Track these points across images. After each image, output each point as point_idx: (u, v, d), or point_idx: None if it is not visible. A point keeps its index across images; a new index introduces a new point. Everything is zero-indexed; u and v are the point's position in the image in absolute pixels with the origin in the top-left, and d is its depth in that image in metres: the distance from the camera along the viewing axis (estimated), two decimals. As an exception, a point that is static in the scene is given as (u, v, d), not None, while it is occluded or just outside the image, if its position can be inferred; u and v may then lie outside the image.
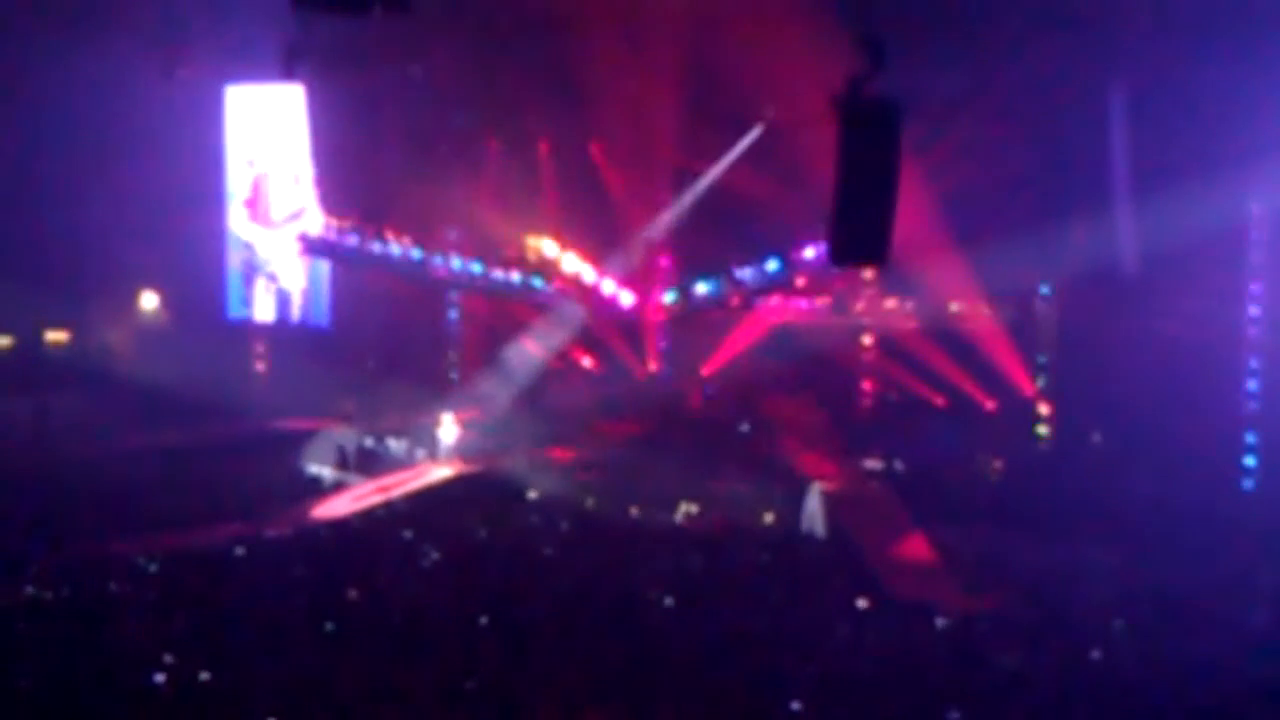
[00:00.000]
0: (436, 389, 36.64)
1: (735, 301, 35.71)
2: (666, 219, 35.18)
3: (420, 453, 33.75)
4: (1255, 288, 31.29)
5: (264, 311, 39.84)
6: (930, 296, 33.52)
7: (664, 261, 36.30)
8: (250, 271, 39.68)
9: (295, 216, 37.50)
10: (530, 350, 36.70)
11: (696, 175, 34.63)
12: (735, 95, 31.03)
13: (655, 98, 31.89)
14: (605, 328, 36.64)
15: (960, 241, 31.11)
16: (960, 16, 28.46)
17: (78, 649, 18.45)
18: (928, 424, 34.07)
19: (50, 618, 20.23)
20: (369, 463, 33.02)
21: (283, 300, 39.59)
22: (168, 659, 18.06)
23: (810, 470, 30.18)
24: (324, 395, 36.04)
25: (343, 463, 32.90)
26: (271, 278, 39.57)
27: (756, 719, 16.85)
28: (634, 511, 29.22)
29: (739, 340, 35.78)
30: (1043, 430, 33.94)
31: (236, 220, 39.00)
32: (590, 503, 29.72)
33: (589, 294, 35.71)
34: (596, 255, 35.68)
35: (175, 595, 21.45)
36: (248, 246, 39.52)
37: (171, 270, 39.25)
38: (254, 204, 38.82)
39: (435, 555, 24.65)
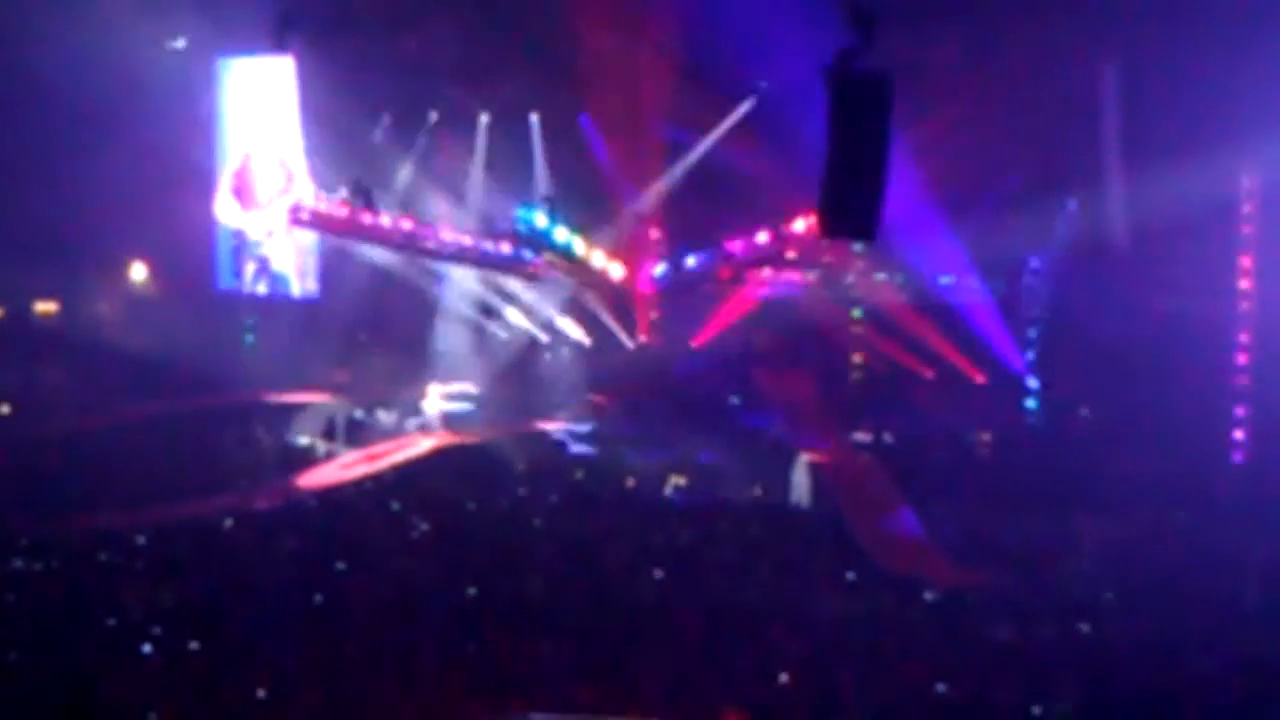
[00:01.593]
0: (426, 361, 36.59)
1: (725, 274, 35.68)
2: (657, 191, 35.12)
3: (410, 424, 33.76)
4: (1245, 261, 31.31)
5: (253, 285, 39.66)
6: (920, 270, 33.46)
7: (654, 234, 36.23)
8: (240, 248, 39.50)
9: (281, 194, 37.33)
10: (520, 322, 36.69)
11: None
12: (727, 66, 30.97)
13: (646, 69, 31.83)
14: (595, 300, 36.61)
15: (951, 215, 31.11)
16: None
17: (66, 621, 18.46)
18: (916, 397, 34.11)
19: (39, 590, 20.23)
20: (358, 434, 33.03)
21: (275, 280, 39.44)
22: (156, 630, 18.09)
23: (799, 443, 30.18)
24: (313, 367, 36.04)
25: (332, 434, 32.90)
26: (262, 262, 39.43)
27: (744, 691, 16.86)
28: (623, 483, 29.22)
29: (729, 313, 35.79)
30: (1031, 404, 33.97)
31: (223, 207, 38.78)
32: (579, 474, 29.73)
33: (579, 266, 35.64)
34: (587, 227, 35.61)
35: (164, 567, 21.47)
36: (236, 234, 39.33)
37: (161, 242, 39.06)
38: (240, 186, 38.60)
39: (424, 526, 24.67)
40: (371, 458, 31.05)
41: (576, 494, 28.24)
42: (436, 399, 33.94)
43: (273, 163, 37.42)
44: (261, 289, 39.47)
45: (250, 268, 39.46)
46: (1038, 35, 28.83)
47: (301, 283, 39.08)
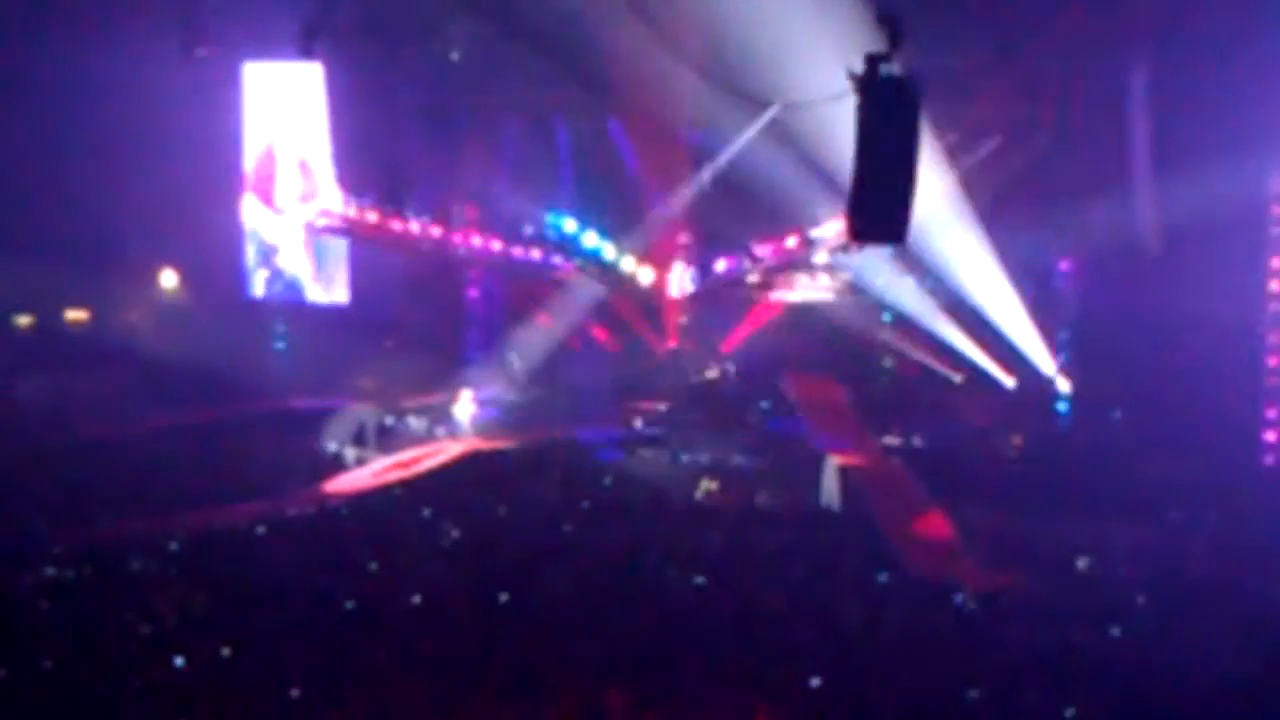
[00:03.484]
0: (456, 366, 36.64)
1: (755, 278, 35.68)
2: (685, 196, 35.13)
3: (440, 430, 33.78)
4: (1276, 263, 31.22)
5: (282, 291, 39.83)
6: (950, 274, 33.39)
7: (683, 238, 36.25)
8: (264, 255, 39.68)
9: (306, 198, 37.44)
10: (550, 328, 36.69)
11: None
12: (755, 71, 30.99)
13: (674, 73, 31.86)
14: (624, 305, 36.62)
15: (981, 218, 31.09)
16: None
17: (99, 629, 18.53)
18: (947, 401, 34.08)
19: (71, 598, 20.30)
20: (389, 440, 33.03)
21: (299, 281, 39.57)
22: (189, 637, 18.15)
23: (828, 447, 30.13)
24: (344, 373, 36.11)
25: (362, 440, 32.90)
26: (277, 271, 39.62)
27: (775, 696, 16.86)
28: (653, 489, 29.21)
29: (758, 317, 35.81)
30: (1062, 407, 33.89)
31: (247, 207, 39.00)
32: (609, 480, 29.74)
33: (608, 271, 35.70)
34: (616, 232, 35.66)
35: (196, 574, 21.53)
36: (254, 234, 39.49)
37: (191, 249, 39.26)
38: (264, 188, 38.80)
39: (455, 533, 24.70)
40: (402, 464, 31.06)
41: (607, 499, 28.23)
42: (468, 404, 33.96)
43: (298, 167, 37.59)
44: (275, 290, 39.68)
45: (263, 274, 39.66)
46: (1066, 37, 28.83)
47: (328, 289, 39.22)
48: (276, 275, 39.64)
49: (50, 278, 35.71)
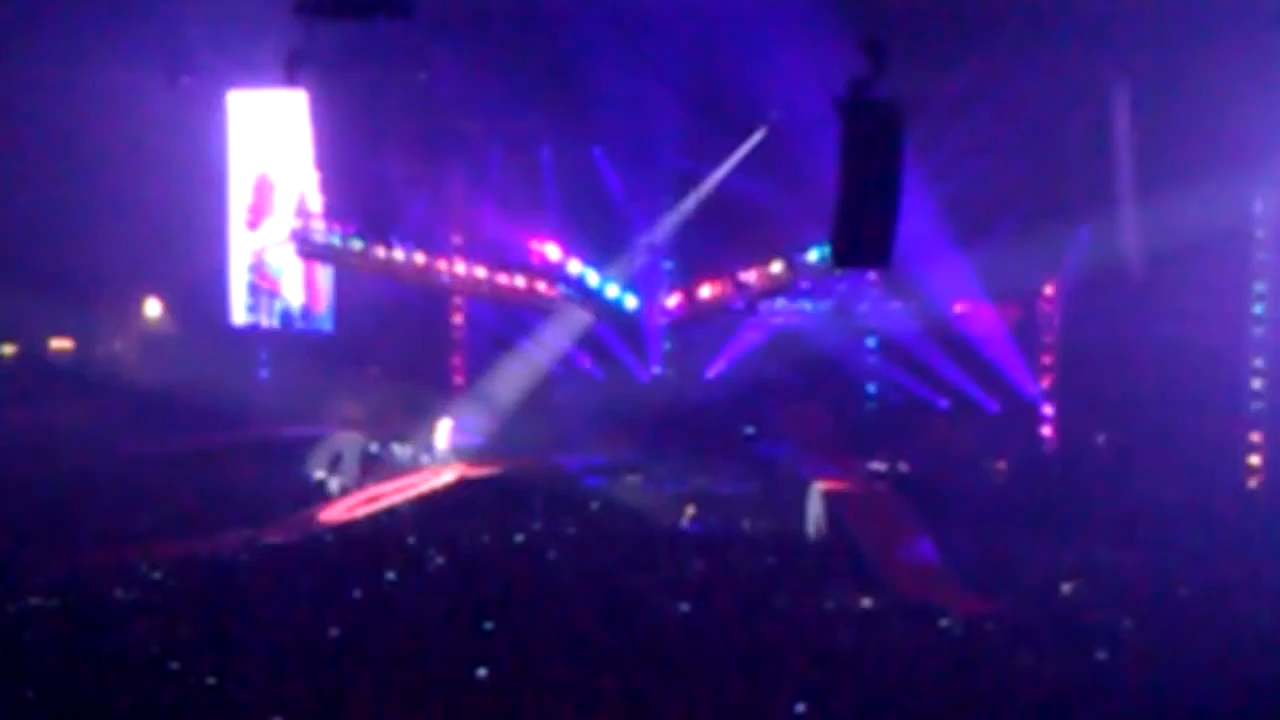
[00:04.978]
0: (441, 393, 36.60)
1: (739, 304, 35.65)
2: (669, 222, 35.14)
3: (425, 457, 33.73)
4: (1259, 286, 31.28)
5: (267, 319, 39.83)
6: (934, 298, 33.43)
7: (667, 265, 36.24)
8: (254, 280, 39.69)
9: (296, 223, 37.37)
10: (534, 354, 36.65)
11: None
12: (739, 97, 31.02)
13: (658, 101, 31.89)
14: (609, 331, 36.57)
15: (963, 242, 31.13)
16: (964, 17, 28.50)
17: (83, 657, 18.45)
18: (931, 425, 34.07)
19: (56, 626, 20.22)
20: (374, 468, 32.99)
21: (284, 309, 39.57)
22: (173, 666, 18.08)
23: (813, 472, 30.11)
24: (328, 401, 36.03)
25: (347, 468, 32.85)
26: (271, 292, 39.59)
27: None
28: (638, 515, 29.16)
29: (742, 343, 35.77)
30: (1047, 431, 33.90)
31: (238, 230, 39.06)
32: (594, 506, 29.70)
33: (592, 298, 35.66)
34: (600, 259, 35.64)
35: (181, 602, 21.46)
36: (254, 257, 39.54)
37: (175, 277, 39.21)
38: (255, 213, 38.86)
39: (440, 560, 24.64)
40: (387, 493, 31.01)
41: (592, 526, 28.19)
42: (447, 432, 33.94)
43: (284, 194, 37.60)
44: (272, 320, 39.67)
45: (260, 302, 39.62)
46: (1048, 61, 28.89)
47: (315, 317, 39.21)
48: (274, 304, 39.61)
49: (34, 307, 35.62)
